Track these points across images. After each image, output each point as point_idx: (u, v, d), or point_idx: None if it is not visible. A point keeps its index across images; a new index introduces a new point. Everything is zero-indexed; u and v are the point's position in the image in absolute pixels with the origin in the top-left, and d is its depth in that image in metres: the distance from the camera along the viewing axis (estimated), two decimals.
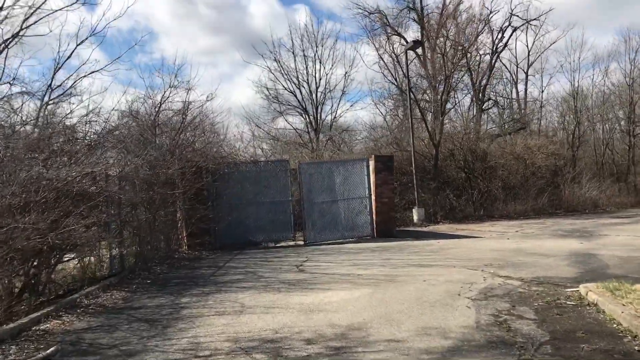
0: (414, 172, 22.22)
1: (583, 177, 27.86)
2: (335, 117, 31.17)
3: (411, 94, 24.66)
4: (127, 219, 11.28)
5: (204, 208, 13.88)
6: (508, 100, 35.63)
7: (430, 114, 28.85)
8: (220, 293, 7.96)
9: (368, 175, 15.99)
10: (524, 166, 26.10)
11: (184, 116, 14.25)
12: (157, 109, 14.75)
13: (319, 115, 30.20)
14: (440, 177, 24.50)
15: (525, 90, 35.50)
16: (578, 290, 6.74)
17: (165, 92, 14.53)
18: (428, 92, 30.16)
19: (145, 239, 11.53)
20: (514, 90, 35.84)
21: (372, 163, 16.03)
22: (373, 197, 15.94)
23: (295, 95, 30.02)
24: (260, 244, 15.12)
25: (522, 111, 35.10)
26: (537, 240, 13.49)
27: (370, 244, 14.39)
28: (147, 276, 10.06)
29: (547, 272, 8.55)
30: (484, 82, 32.44)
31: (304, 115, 30.16)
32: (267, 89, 30.01)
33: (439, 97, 27.25)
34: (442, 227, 19.64)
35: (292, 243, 15.09)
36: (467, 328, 5.35)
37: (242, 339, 5.34)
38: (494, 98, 34.03)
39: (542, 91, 36.08)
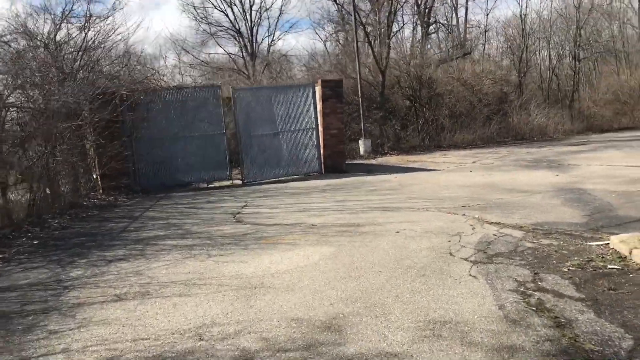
0: (360, 100, 20.30)
1: (531, 104, 26.82)
2: (272, 41, 28.40)
3: (356, 14, 22.30)
4: (11, 160, 8.81)
5: (117, 144, 11.44)
6: (450, 25, 33.90)
7: (374, 38, 26.62)
8: (127, 260, 5.83)
9: (314, 103, 13.87)
10: (471, 93, 24.73)
11: (86, 30, 11.45)
12: (57, 25, 11.87)
13: (254, 38, 27.31)
14: (386, 107, 22.72)
15: (466, 15, 33.86)
16: (608, 245, 5.10)
17: (67, 5, 11.66)
18: (371, 16, 27.84)
19: (38, 185, 9.10)
20: (454, 16, 34.10)
21: (318, 89, 13.88)
22: (320, 129, 13.92)
23: (227, 15, 26.91)
24: (189, 185, 12.92)
25: (465, 36, 33.54)
26: (504, 172, 11.98)
27: (318, 181, 12.48)
28: (37, 234, 7.74)
29: (545, 215, 6.90)
30: (429, 4, 30.55)
31: (237, 38, 27.23)
32: (195, 8, 26.70)
33: (385, 18, 24.98)
34: (392, 159, 18.03)
35: (227, 183, 12.97)
36: (492, 319, 3.54)
37: (141, 357, 3.32)
38: (439, 21, 32.20)
39: (487, 14, 34.65)
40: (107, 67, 13.10)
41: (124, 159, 11.71)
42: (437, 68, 25.81)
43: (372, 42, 24.60)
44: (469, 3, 34.11)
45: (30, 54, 10.17)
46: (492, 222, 6.64)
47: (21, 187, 9.13)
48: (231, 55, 27.26)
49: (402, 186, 10.71)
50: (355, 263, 5.15)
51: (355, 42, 20.65)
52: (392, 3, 24.80)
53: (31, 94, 9.36)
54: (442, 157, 17.51)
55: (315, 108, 13.89)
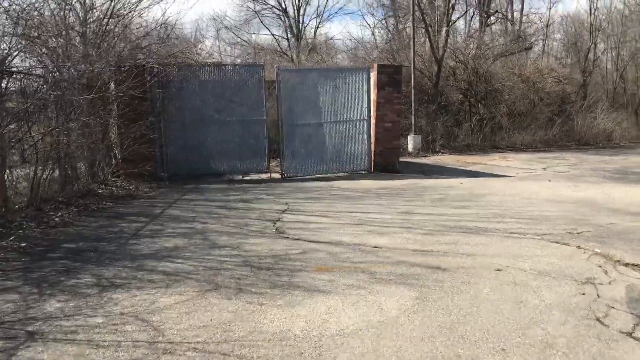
0: (412, 92, 18.41)
1: (598, 107, 24.46)
2: (320, 22, 26.64)
3: None
4: (11, 137, 7.33)
5: (143, 125, 9.91)
6: (505, 18, 31.41)
7: (430, 27, 24.59)
8: (128, 289, 4.22)
9: (368, 90, 12.08)
10: (532, 91, 22.51)
11: None
12: None
13: (300, 18, 25.60)
14: (438, 100, 20.74)
15: (522, 8, 31.28)
16: None
17: None
18: (426, 3, 25.76)
19: (43, 169, 7.61)
20: (509, 8, 31.52)
21: (373, 75, 12.08)
22: (372, 121, 12.14)
23: None
24: (223, 175, 11.35)
25: (525, 30, 31.08)
26: (592, 185, 10.06)
27: (369, 182, 10.75)
28: (30, 231, 6.22)
29: None
30: None
31: (283, 17, 25.53)
32: None
33: (442, 1, 22.95)
34: (446, 159, 16.22)
35: (265, 176, 11.35)
36: None
37: None
38: (500, 11, 29.81)
39: (550, 8, 32.06)
40: (141, 39, 11.61)
41: (150, 142, 10.19)
42: (494, 62, 23.72)
43: (427, 27, 22.64)
44: None
45: (48, 12, 8.65)
46: (627, 264, 4.81)
47: (25, 170, 7.69)
48: (275, 36, 25.67)
49: (475, 196, 8.89)
50: (456, 326, 3.43)
51: (412, 22, 18.72)
52: None
53: (42, 59, 7.88)
54: (504, 160, 15.66)
55: (368, 96, 12.12)
